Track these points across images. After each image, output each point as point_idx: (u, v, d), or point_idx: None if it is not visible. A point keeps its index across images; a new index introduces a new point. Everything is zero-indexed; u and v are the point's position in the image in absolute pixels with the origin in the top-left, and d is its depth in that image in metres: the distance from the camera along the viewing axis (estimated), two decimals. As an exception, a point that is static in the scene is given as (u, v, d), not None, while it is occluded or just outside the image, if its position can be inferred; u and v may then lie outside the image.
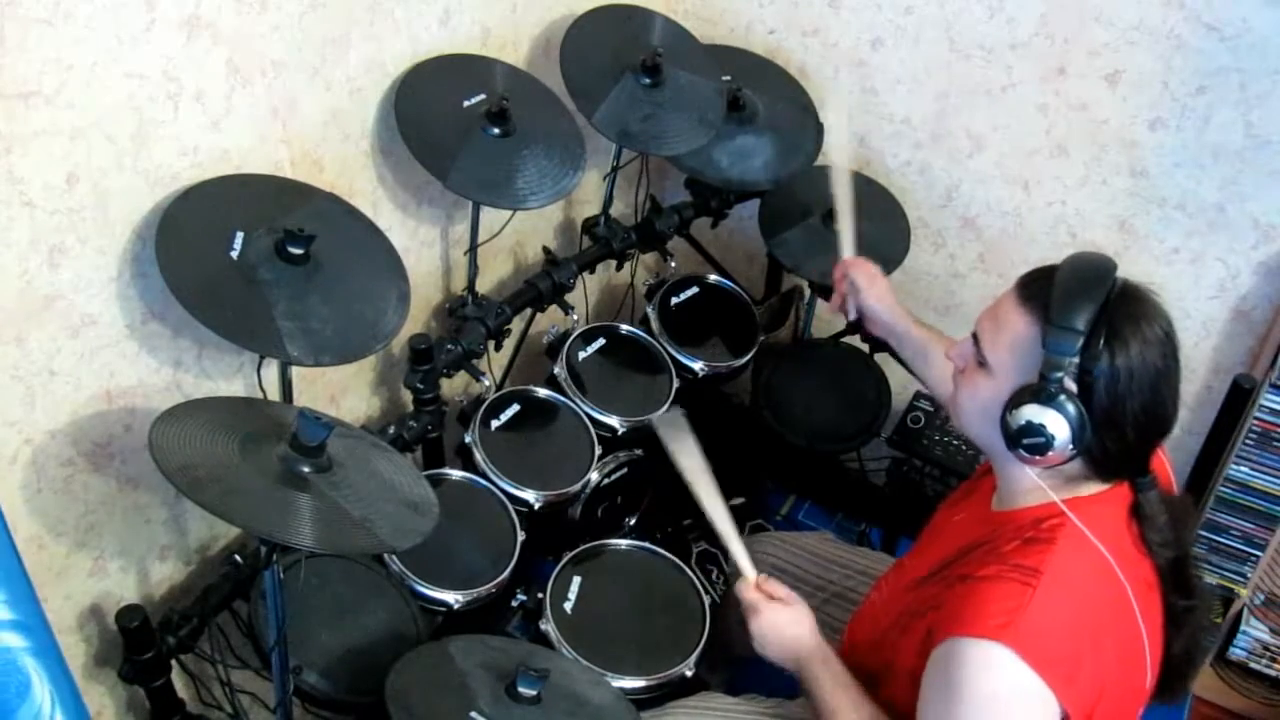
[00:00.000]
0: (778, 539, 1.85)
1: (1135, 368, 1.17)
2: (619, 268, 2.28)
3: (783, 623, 1.47)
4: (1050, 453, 1.20)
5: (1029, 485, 1.27)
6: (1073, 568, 1.20)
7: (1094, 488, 1.26)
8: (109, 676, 1.62)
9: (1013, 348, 1.23)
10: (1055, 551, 1.20)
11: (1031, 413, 1.19)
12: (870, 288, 1.79)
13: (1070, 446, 1.19)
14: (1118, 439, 1.20)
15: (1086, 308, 1.17)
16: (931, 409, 2.39)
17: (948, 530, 1.43)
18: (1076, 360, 1.17)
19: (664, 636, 1.73)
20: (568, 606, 1.73)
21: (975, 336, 1.29)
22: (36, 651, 1.13)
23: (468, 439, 1.84)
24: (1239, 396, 2.02)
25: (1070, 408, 1.17)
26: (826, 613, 1.71)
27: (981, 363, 1.27)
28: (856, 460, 2.45)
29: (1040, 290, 1.22)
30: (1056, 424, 1.18)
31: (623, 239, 2.17)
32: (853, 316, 1.84)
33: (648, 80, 1.97)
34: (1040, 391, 1.18)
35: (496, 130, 1.76)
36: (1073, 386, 1.18)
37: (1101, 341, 1.17)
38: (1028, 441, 1.20)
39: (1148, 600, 1.25)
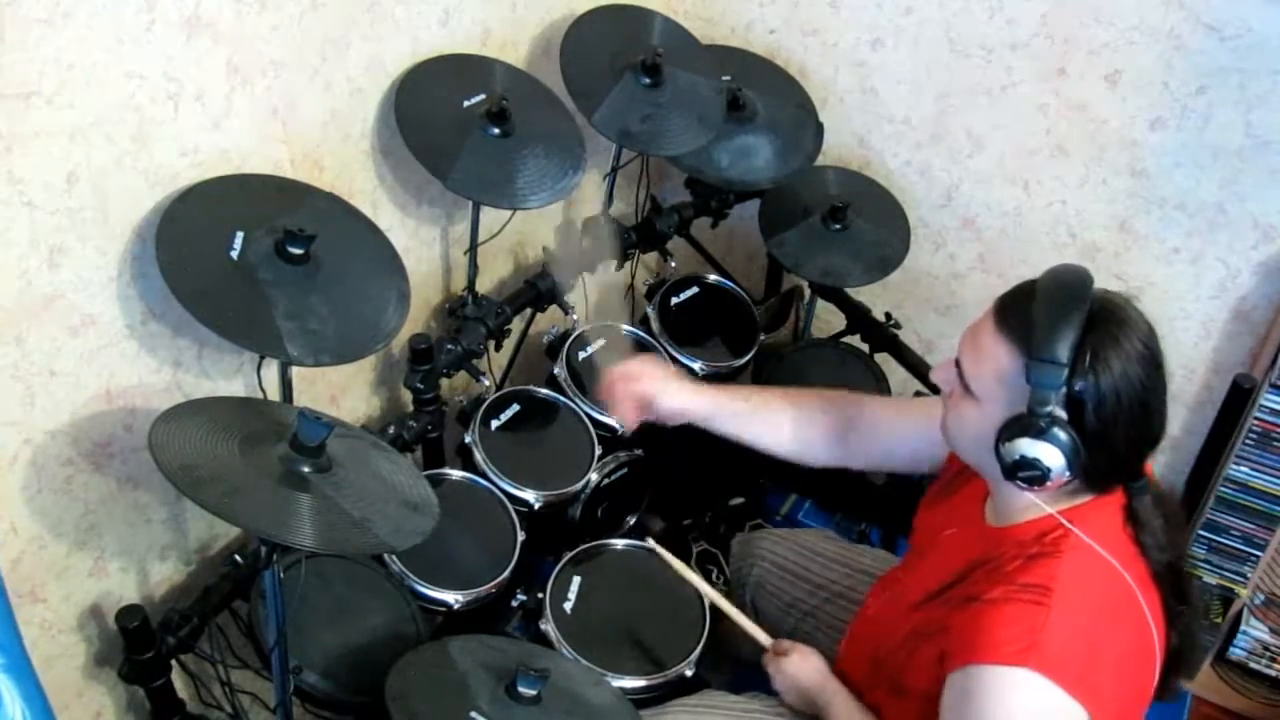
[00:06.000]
0: (777, 535, 1.85)
1: (1121, 387, 1.16)
2: (619, 268, 2.28)
3: (794, 672, 1.50)
4: (1049, 483, 1.19)
5: (1025, 502, 1.26)
6: (1081, 579, 1.20)
7: (1088, 496, 1.26)
8: (109, 676, 1.62)
9: (999, 379, 1.21)
10: (1062, 565, 1.20)
11: (1025, 446, 1.18)
12: (665, 385, 1.61)
13: (1067, 473, 1.18)
14: (1109, 455, 1.19)
15: (1067, 335, 1.15)
16: (931, 409, 2.39)
17: (943, 546, 1.41)
18: (1063, 390, 1.16)
19: (664, 636, 1.73)
20: (568, 606, 1.73)
21: (958, 362, 1.27)
22: (9, 669, 1.13)
23: (468, 439, 1.84)
24: (1239, 396, 2.02)
25: (1063, 436, 1.16)
26: (827, 612, 1.70)
27: (967, 389, 1.25)
28: (856, 460, 2.45)
29: (1019, 318, 1.20)
30: (1051, 455, 1.17)
31: (623, 239, 2.17)
32: (634, 425, 1.64)
33: (648, 80, 1.97)
34: (1030, 425, 1.17)
35: (496, 130, 1.76)
36: (1062, 414, 1.17)
37: (1086, 365, 1.15)
38: (1024, 475, 1.19)
39: (1151, 600, 1.25)
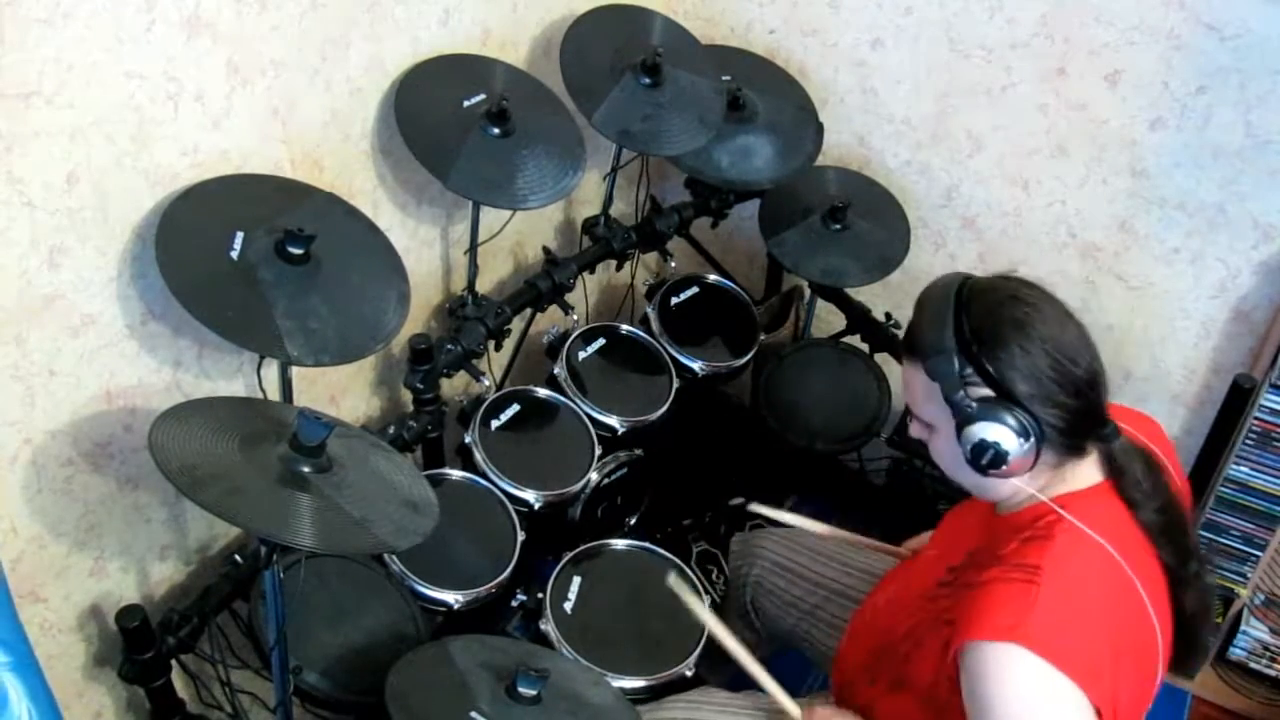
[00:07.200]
0: (777, 535, 1.85)
1: (1023, 344, 1.20)
2: (619, 268, 2.28)
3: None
4: (1013, 459, 1.22)
5: (1022, 492, 1.28)
6: (1072, 561, 1.21)
7: (1079, 475, 1.27)
8: (109, 676, 1.62)
9: (927, 398, 1.27)
10: (1053, 546, 1.21)
11: (975, 432, 1.22)
12: None
13: (1024, 441, 1.21)
14: (1057, 411, 1.21)
15: (943, 325, 1.22)
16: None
17: (956, 540, 1.42)
18: (970, 371, 1.21)
19: (664, 636, 1.73)
20: (568, 606, 1.73)
21: (907, 409, 1.34)
22: (15, 667, 1.13)
23: (468, 439, 1.84)
24: (1239, 396, 2.02)
25: (1000, 410, 1.20)
26: (827, 610, 1.71)
27: (925, 425, 1.31)
28: (856, 460, 2.45)
29: (911, 340, 1.28)
30: (998, 433, 1.21)
31: (623, 239, 2.17)
32: None
33: (648, 80, 1.97)
34: (961, 415, 1.22)
35: (496, 130, 1.76)
36: (988, 391, 1.22)
37: (977, 345, 1.21)
38: (987, 461, 1.22)
39: (1155, 588, 1.26)
